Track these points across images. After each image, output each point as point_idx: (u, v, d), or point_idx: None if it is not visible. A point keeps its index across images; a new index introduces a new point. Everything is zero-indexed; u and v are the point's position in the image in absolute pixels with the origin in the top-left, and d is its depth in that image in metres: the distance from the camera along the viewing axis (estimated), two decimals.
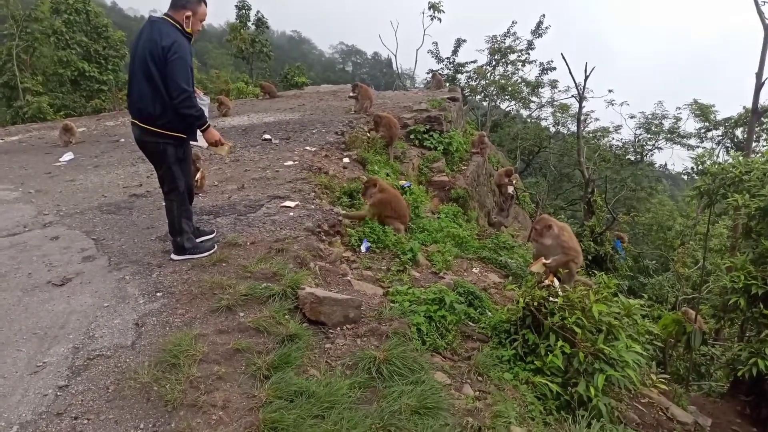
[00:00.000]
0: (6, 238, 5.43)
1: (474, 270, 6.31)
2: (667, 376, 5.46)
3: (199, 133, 4.48)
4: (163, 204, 4.70)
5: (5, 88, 22.66)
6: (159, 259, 4.68)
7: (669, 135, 25.82)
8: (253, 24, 29.78)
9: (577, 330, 3.93)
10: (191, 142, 4.55)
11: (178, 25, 4.19)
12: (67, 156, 9.91)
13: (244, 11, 29.36)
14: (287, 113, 13.70)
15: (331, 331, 3.80)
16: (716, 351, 9.00)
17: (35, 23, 22.81)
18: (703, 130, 25.00)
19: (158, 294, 4.04)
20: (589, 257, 12.94)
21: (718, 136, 24.83)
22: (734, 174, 7.07)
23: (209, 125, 4.43)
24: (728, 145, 24.26)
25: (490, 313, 4.79)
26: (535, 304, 4.20)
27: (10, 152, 11.22)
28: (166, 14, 4.25)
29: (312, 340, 3.58)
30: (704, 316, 8.58)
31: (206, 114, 4.55)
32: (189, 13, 4.22)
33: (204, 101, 4.67)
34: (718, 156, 21.20)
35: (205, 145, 4.61)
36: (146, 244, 5.09)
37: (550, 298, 4.23)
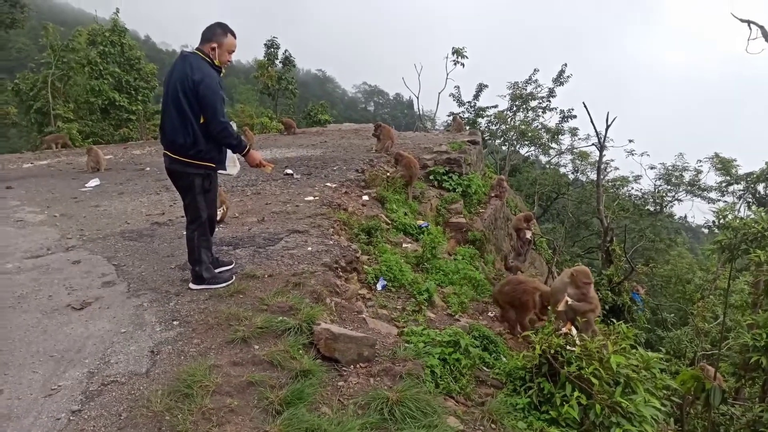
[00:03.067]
0: (29, 260, 5.53)
1: (489, 314, 6.25)
2: None
3: (229, 159, 4.61)
4: (184, 233, 4.78)
5: (38, 114, 23.34)
6: (177, 288, 4.72)
7: (689, 187, 25.69)
8: (280, 62, 30.55)
9: (595, 381, 3.85)
10: (219, 172, 4.65)
11: (207, 59, 4.34)
12: (94, 182, 10.14)
13: (272, 49, 30.18)
14: (309, 149, 13.93)
15: (344, 368, 3.77)
16: (736, 411, 8.68)
17: (72, 53, 23.63)
18: (724, 184, 24.83)
19: (175, 322, 4.06)
20: (607, 307, 12.73)
21: (739, 190, 24.64)
22: (756, 229, 6.98)
23: (249, 149, 4.57)
24: (750, 199, 24.03)
25: (505, 359, 4.73)
26: (552, 352, 4.14)
27: (38, 176, 11.52)
28: (197, 48, 4.41)
29: (325, 377, 3.55)
30: (724, 374, 8.33)
31: None
32: (214, 45, 4.36)
33: None
34: (739, 210, 20.96)
35: (234, 173, 4.74)
36: (165, 272, 5.14)
37: (567, 347, 4.16)
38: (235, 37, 4.48)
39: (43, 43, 23.97)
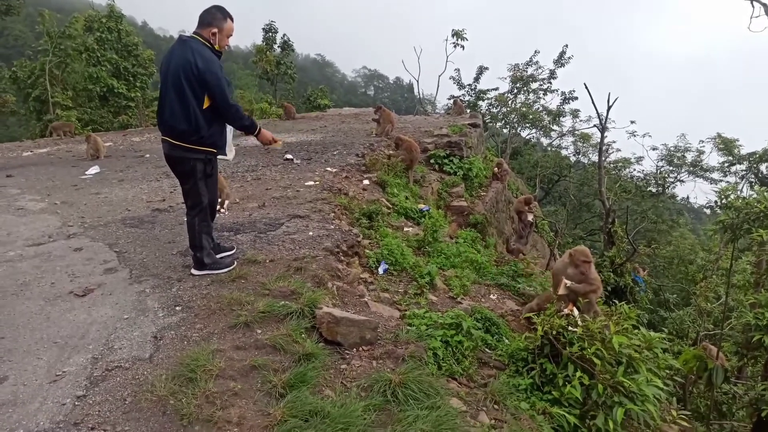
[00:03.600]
0: (31, 248, 5.53)
1: (491, 296, 6.26)
2: (688, 413, 5.33)
3: (228, 144, 4.60)
4: (185, 219, 4.77)
5: (36, 102, 23.28)
6: (179, 274, 4.72)
7: (692, 168, 25.59)
8: (279, 46, 30.35)
9: (597, 361, 3.87)
10: (218, 157, 4.64)
11: (207, 43, 4.29)
12: (93, 169, 10.11)
13: (271, 34, 29.98)
14: (309, 134, 13.87)
15: (347, 351, 3.78)
16: (739, 389, 8.75)
17: (69, 40, 23.49)
18: (726, 164, 24.73)
19: (177, 308, 4.07)
20: (609, 288, 12.77)
21: (742, 170, 24.54)
22: (759, 209, 6.97)
23: (260, 128, 4.60)
24: (752, 180, 23.95)
25: (507, 341, 4.75)
26: (554, 333, 4.15)
27: (38, 164, 11.49)
28: (195, 32, 4.34)
29: (328, 360, 3.56)
30: (726, 353, 8.38)
31: (232, 130, 4.69)
32: (215, 30, 4.31)
33: None
34: (742, 191, 20.91)
35: (231, 157, 4.74)
36: (167, 258, 5.14)
37: (569, 328, 4.17)
38: (233, 21, 4.42)
39: (40, 30, 23.86)
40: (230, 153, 4.77)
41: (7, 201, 7.76)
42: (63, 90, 23.90)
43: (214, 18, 4.31)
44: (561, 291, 4.76)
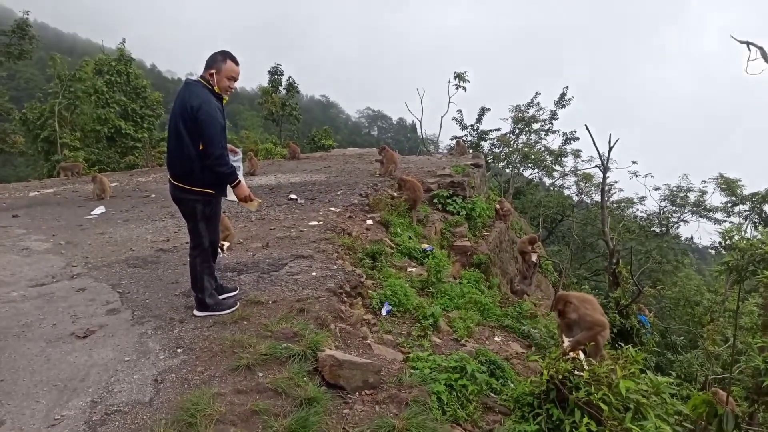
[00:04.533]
0: (34, 288, 5.53)
1: (496, 338, 6.19)
2: None
3: (229, 188, 4.60)
4: (188, 259, 4.77)
5: (45, 143, 23.64)
6: (181, 315, 4.70)
7: (695, 208, 25.61)
8: (284, 88, 30.94)
9: (604, 407, 3.79)
10: (222, 198, 4.66)
11: (208, 86, 4.39)
12: (99, 209, 10.19)
13: (276, 76, 30.62)
14: (313, 174, 14.00)
15: (349, 396, 3.72)
16: None
17: (78, 83, 24.03)
18: (729, 205, 24.74)
19: (179, 350, 4.03)
20: (615, 330, 12.60)
21: (745, 210, 24.53)
22: (764, 250, 6.93)
23: (240, 181, 4.55)
24: (756, 220, 23.91)
25: (512, 385, 4.66)
26: (560, 377, 4.08)
27: (45, 204, 11.59)
28: (200, 76, 4.46)
29: (330, 405, 3.50)
30: (737, 398, 8.18)
31: (241, 168, 4.71)
32: (213, 71, 4.40)
33: (237, 157, 4.81)
34: (746, 231, 20.86)
35: (236, 200, 4.73)
36: (170, 298, 5.13)
37: (576, 372, 4.10)
38: (236, 64, 4.50)
39: (51, 73, 24.39)
40: (233, 195, 4.76)
41: (12, 241, 7.80)
42: (71, 131, 24.29)
43: (213, 60, 4.43)
44: (566, 347, 4.70)
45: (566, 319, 4.82)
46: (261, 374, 3.67)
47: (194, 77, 4.56)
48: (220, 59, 4.43)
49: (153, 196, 11.92)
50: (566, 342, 4.73)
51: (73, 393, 3.45)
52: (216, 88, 4.40)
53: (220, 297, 4.80)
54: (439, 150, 30.66)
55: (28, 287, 5.57)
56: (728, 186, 24.27)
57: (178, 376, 3.67)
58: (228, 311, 4.64)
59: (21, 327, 4.50)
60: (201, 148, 4.27)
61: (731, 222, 24.04)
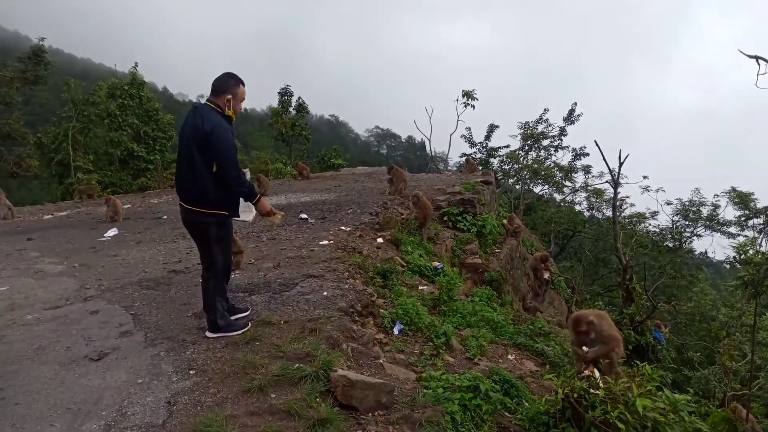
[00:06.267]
0: (48, 311, 5.57)
1: (509, 356, 6.14)
2: None
3: (242, 208, 4.64)
4: (200, 280, 4.79)
5: (59, 166, 23.97)
6: (194, 336, 4.71)
7: (708, 222, 25.33)
8: (294, 109, 31.20)
9: (621, 426, 3.73)
10: (234, 219, 4.70)
11: (218, 109, 4.43)
12: (112, 232, 10.29)
13: (286, 97, 30.89)
14: (323, 194, 14.06)
15: (362, 416, 3.69)
16: None
17: (92, 107, 24.40)
18: (743, 218, 24.45)
19: (191, 371, 4.04)
20: (630, 347, 12.42)
21: (759, 224, 24.22)
22: None
23: (260, 197, 4.60)
24: None
25: (527, 404, 4.61)
26: (575, 395, 4.03)
27: (59, 227, 11.73)
28: (208, 100, 4.51)
29: (343, 426, 3.48)
30: (756, 415, 8.03)
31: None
32: (229, 97, 4.46)
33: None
34: (761, 245, 20.60)
35: (250, 219, 4.77)
36: (182, 320, 5.14)
37: (591, 390, 4.05)
38: (245, 86, 4.59)
39: (65, 98, 24.81)
40: (248, 215, 4.80)
41: (27, 264, 7.89)
42: (85, 154, 24.60)
43: (227, 86, 4.48)
44: (590, 356, 4.64)
45: (584, 338, 4.75)
46: (273, 395, 3.66)
47: (200, 101, 4.63)
48: (233, 84, 4.49)
49: (165, 217, 12.02)
50: (586, 350, 4.66)
51: (87, 416, 3.46)
52: (229, 111, 4.46)
53: (232, 317, 4.81)
54: (449, 167, 30.73)
55: (43, 310, 5.62)
56: (741, 200, 24.01)
57: (191, 398, 3.66)
58: (240, 332, 4.65)
59: (35, 350, 4.53)
60: (214, 170, 4.31)
61: (745, 236, 23.74)
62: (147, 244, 9.02)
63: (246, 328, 4.71)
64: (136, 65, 25.66)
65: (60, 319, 5.29)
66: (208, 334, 4.66)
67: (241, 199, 4.71)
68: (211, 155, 4.29)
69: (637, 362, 4.85)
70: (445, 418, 3.79)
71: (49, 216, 14.15)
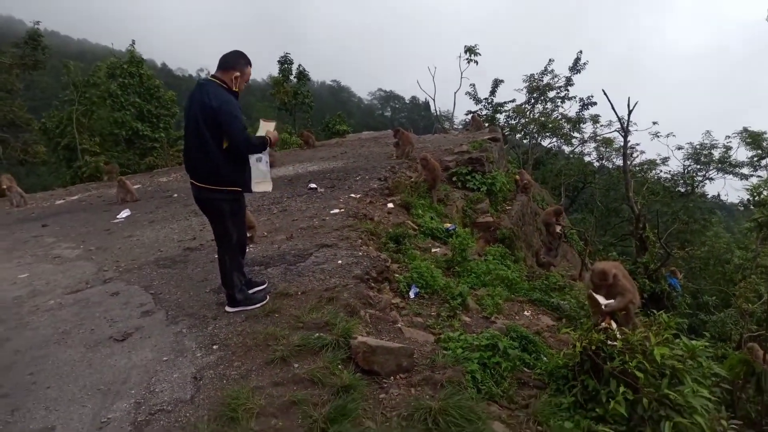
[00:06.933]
0: (70, 295, 5.67)
1: (525, 313, 6.19)
2: (739, 422, 5.14)
3: (257, 177, 4.65)
4: (216, 256, 4.84)
5: (66, 151, 24.03)
6: (214, 312, 4.79)
7: (720, 165, 25.05)
8: (294, 77, 30.85)
9: (640, 375, 3.77)
10: (259, 189, 4.73)
11: (225, 85, 4.40)
12: (124, 213, 10.36)
13: (286, 65, 30.51)
14: (331, 162, 14.01)
15: (384, 380, 3.77)
16: None
17: (93, 88, 24.29)
18: (755, 159, 24.14)
19: (214, 346, 4.12)
20: (645, 296, 12.47)
21: None
22: None
23: (269, 139, 4.58)
24: None
25: (545, 358, 4.67)
26: (593, 348, 4.07)
27: (71, 211, 11.82)
28: (213, 75, 4.46)
29: (366, 391, 3.55)
30: None
31: (265, 161, 4.76)
32: (237, 74, 4.42)
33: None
34: None
35: (269, 189, 4.81)
36: (201, 296, 5.22)
37: (609, 342, 4.09)
38: (251, 68, 4.56)
39: (65, 81, 24.69)
40: (265, 185, 4.80)
41: (44, 250, 7.99)
42: (90, 136, 24.62)
43: (237, 63, 4.43)
44: (606, 311, 4.66)
45: (604, 290, 4.76)
46: (296, 365, 3.73)
47: (204, 78, 4.59)
48: (244, 63, 4.46)
49: (175, 195, 12.07)
50: (604, 301, 4.68)
51: (116, 396, 3.56)
52: (235, 87, 4.43)
53: (250, 291, 4.87)
54: (455, 126, 30.41)
55: (64, 294, 5.73)
56: (753, 140, 23.65)
57: (216, 372, 3.75)
58: (258, 305, 4.72)
59: (61, 334, 4.64)
60: (225, 146, 4.31)
61: (758, 177, 23.48)
62: (160, 223, 9.08)
63: (264, 301, 4.78)
64: (133, 43, 25.46)
65: (82, 303, 5.39)
66: (227, 308, 4.74)
67: (255, 171, 4.69)
68: (221, 132, 4.28)
69: (654, 311, 4.86)
70: (466, 378, 3.86)
71: (61, 201, 14.25)
